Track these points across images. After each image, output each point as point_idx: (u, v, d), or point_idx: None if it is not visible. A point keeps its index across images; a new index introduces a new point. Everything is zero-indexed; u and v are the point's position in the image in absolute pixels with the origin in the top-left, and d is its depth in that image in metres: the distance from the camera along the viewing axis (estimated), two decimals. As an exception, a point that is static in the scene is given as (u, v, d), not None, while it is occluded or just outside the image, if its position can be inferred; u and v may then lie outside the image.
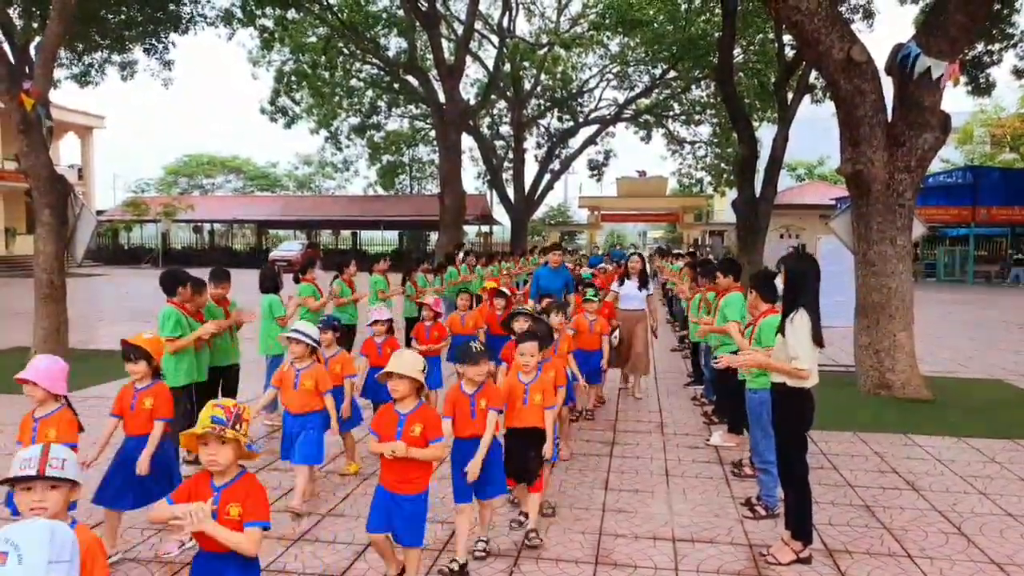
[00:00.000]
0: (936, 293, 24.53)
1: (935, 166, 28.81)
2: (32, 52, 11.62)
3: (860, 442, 6.82)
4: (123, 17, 15.24)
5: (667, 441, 6.84)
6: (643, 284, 8.59)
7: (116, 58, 16.77)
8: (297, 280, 8.38)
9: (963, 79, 16.17)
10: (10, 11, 13.19)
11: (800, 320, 4.16)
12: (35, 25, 13.21)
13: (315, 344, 5.21)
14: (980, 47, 16.17)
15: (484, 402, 4.12)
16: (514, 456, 4.46)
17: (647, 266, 9.00)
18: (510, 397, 4.52)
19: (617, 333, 8.25)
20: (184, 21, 16.43)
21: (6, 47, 10.88)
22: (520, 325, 5.63)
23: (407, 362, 3.70)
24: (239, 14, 19.82)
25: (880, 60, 8.83)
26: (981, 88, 17.25)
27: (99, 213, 37.73)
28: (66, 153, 40.45)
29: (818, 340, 4.18)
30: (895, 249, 8.75)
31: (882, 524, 4.86)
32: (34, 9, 13.37)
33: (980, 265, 32.33)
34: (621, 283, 8.73)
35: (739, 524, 4.84)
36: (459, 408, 4.11)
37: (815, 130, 38.73)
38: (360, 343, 7.16)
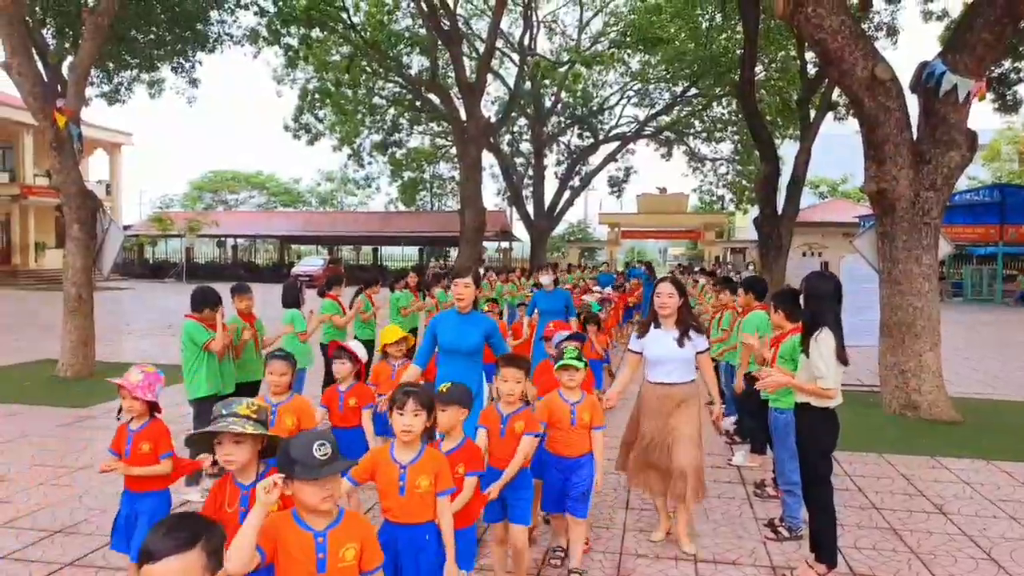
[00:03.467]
0: (963, 313, 24.19)
1: (961, 184, 28.54)
2: (65, 71, 11.87)
3: (886, 464, 6.72)
4: (152, 37, 15.53)
5: (689, 460, 6.78)
6: (686, 332, 4.70)
7: (145, 76, 17.08)
8: (322, 295, 8.44)
9: (989, 96, 16.02)
10: (44, 31, 13.50)
11: (825, 339, 4.13)
12: (68, 45, 13.50)
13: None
14: (1007, 64, 16.00)
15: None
16: None
17: (688, 299, 4.91)
18: None
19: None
20: (211, 40, 16.70)
21: (40, 66, 11.12)
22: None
23: None
24: (264, 33, 20.12)
25: (905, 78, 8.78)
26: (1008, 105, 17.05)
27: (126, 228, 38.35)
28: (95, 169, 41.18)
29: (842, 358, 4.15)
30: (921, 268, 8.65)
31: (909, 548, 4.78)
32: (67, 30, 13.67)
33: (1008, 284, 31.85)
34: (642, 332, 4.84)
35: (762, 546, 4.79)
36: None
37: (838, 147, 38.55)
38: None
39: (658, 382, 4.74)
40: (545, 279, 9.20)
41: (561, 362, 4.30)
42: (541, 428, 4.01)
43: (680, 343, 4.66)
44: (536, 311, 8.81)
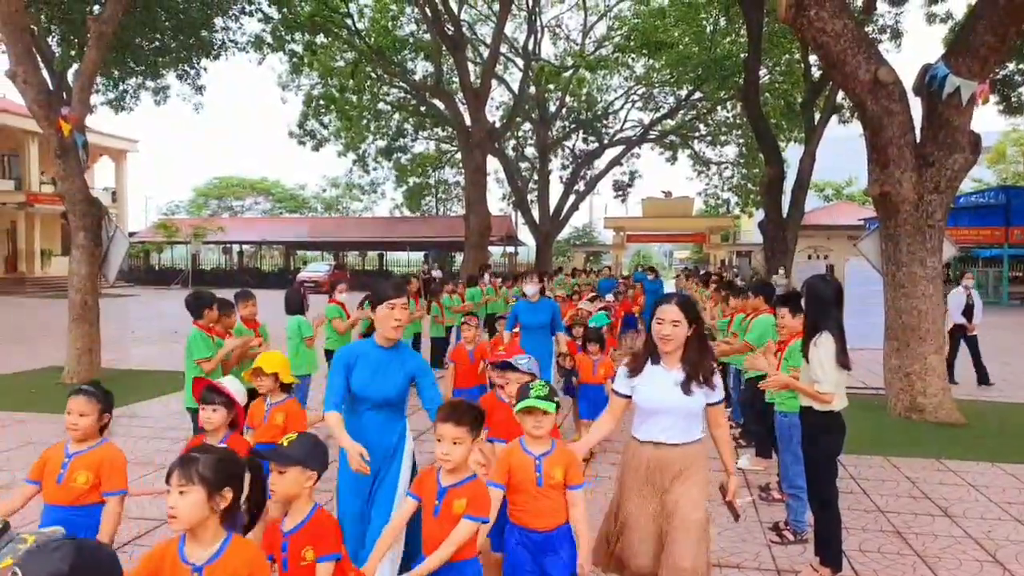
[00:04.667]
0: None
1: (966, 186, 28.45)
2: (70, 79, 11.94)
3: (891, 467, 6.70)
4: (157, 44, 15.61)
5: (693, 464, 6.76)
6: (697, 375, 3.39)
7: (150, 84, 17.17)
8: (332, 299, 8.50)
9: (994, 98, 15.99)
10: (49, 39, 13.59)
11: (824, 342, 4.13)
12: (73, 53, 13.58)
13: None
14: (1011, 66, 15.99)
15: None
16: None
17: (702, 328, 3.56)
18: None
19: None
20: (216, 47, 16.77)
21: (45, 74, 11.19)
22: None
23: None
24: (269, 39, 20.23)
25: (908, 80, 8.78)
26: (1013, 107, 17.02)
27: (131, 235, 38.49)
28: (101, 176, 41.37)
29: (844, 362, 4.14)
30: (925, 270, 8.64)
31: (914, 551, 4.76)
32: (72, 37, 13.76)
33: (1015, 286, 31.72)
34: (635, 368, 3.51)
35: (767, 549, 4.77)
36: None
37: (843, 150, 38.48)
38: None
39: (650, 440, 3.39)
40: (529, 288, 7.68)
41: (524, 402, 3.09)
42: (489, 511, 2.97)
43: (686, 389, 3.32)
44: (517, 325, 7.63)
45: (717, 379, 3.42)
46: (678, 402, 3.35)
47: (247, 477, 2.49)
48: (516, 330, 7.63)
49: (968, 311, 11.07)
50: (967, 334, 11.13)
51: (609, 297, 13.58)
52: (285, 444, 2.67)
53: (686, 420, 3.39)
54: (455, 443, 2.91)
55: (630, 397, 3.50)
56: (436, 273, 31.04)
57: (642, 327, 14.66)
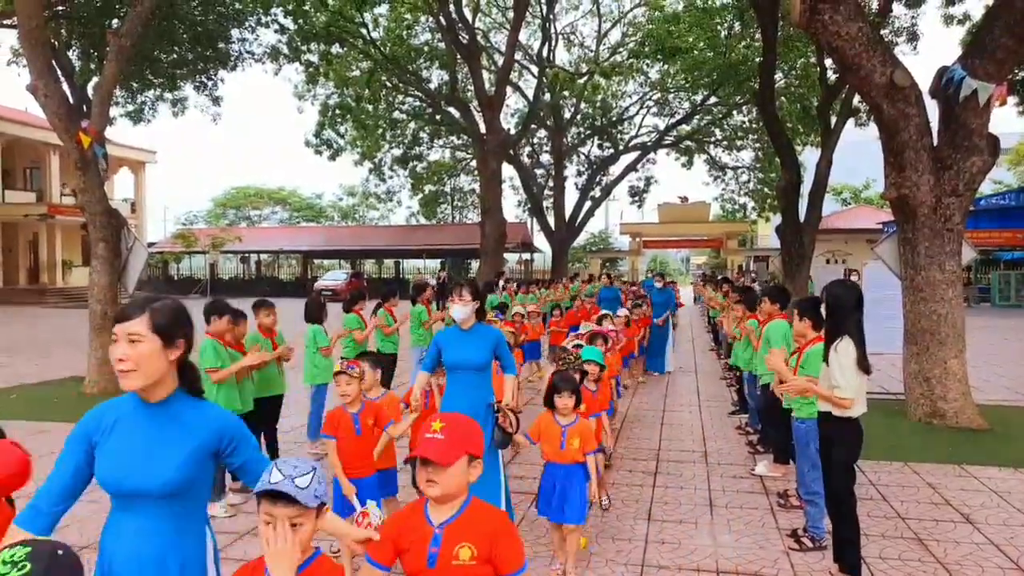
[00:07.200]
0: (991, 319, 23.80)
1: (986, 188, 28.10)
2: (90, 92, 12.11)
3: (911, 473, 6.62)
4: (175, 56, 15.84)
5: (711, 471, 6.74)
6: None
7: (168, 95, 17.41)
8: (347, 311, 8.53)
9: (1013, 100, 15.81)
10: (70, 53, 13.81)
11: (844, 347, 4.11)
12: (93, 66, 13.80)
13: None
14: (1030, 67, 15.80)
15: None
16: None
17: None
18: None
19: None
20: (233, 59, 16.99)
21: (66, 88, 11.35)
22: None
23: None
24: (285, 50, 20.43)
25: (925, 83, 8.72)
26: (1032, 109, 16.81)
27: (150, 245, 38.91)
28: (120, 187, 41.87)
29: (864, 367, 4.11)
30: (944, 274, 8.55)
31: (936, 558, 4.70)
32: (92, 51, 13.98)
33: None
34: None
35: (785, 556, 4.73)
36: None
37: (860, 153, 38.19)
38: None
39: None
40: (459, 310, 4.69)
41: None
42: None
43: None
44: (441, 367, 4.91)
45: None
46: None
47: None
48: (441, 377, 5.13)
49: None
50: None
51: (622, 313, 9.89)
52: None
53: None
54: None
55: None
56: (431, 280, 31.18)
57: (639, 355, 11.74)
